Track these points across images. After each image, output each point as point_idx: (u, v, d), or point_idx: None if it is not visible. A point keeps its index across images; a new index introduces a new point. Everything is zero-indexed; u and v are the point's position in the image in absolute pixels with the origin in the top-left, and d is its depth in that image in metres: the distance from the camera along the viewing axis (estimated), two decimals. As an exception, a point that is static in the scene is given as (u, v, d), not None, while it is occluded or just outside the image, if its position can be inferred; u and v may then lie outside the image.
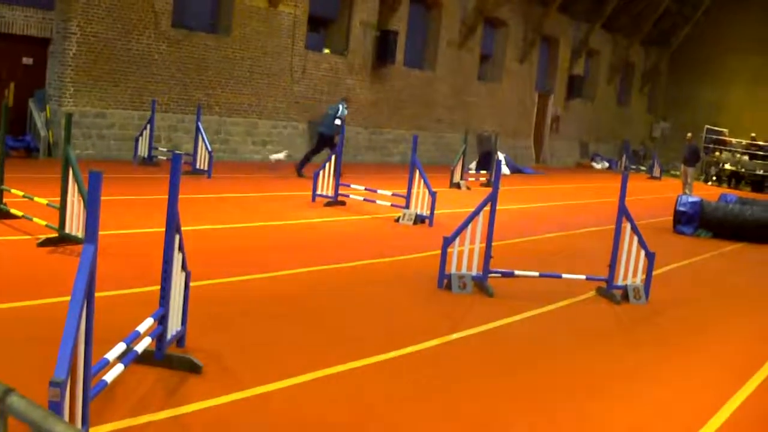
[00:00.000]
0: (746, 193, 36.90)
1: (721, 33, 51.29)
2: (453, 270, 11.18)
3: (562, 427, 6.85)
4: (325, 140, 23.58)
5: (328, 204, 17.90)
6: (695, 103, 52.01)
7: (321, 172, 18.14)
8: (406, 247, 14.14)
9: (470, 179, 26.59)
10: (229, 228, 14.26)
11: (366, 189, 18.55)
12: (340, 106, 23.58)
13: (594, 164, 45.75)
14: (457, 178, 25.32)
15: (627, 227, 11.76)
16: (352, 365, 7.62)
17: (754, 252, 18.94)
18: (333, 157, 17.97)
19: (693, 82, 52.52)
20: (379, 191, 18.30)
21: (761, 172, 44.03)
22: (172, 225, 6.77)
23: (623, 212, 11.67)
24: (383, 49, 30.60)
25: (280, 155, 24.58)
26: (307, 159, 23.94)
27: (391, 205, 17.68)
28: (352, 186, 18.47)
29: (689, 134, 34.21)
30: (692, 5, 50.42)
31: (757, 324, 11.62)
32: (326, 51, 29.47)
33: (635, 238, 11.82)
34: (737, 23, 51.10)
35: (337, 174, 17.95)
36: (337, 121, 23.15)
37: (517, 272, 11.82)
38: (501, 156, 30.85)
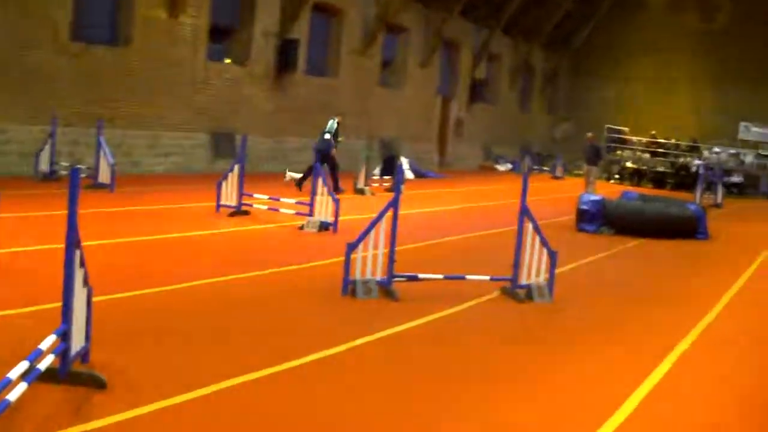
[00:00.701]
0: (648, 190, 37.55)
1: (620, 35, 52.12)
2: (357, 276, 11.26)
3: (466, 429, 6.95)
4: (321, 156, 23.98)
5: (233, 214, 17.83)
6: (596, 103, 52.74)
7: (224, 183, 18.09)
8: (310, 255, 14.17)
9: (374, 185, 26.69)
10: (132, 241, 14.15)
11: (270, 198, 18.56)
12: (331, 121, 24.45)
13: (497, 166, 46.10)
14: (361, 184, 25.41)
15: (529, 227, 11.94)
16: (257, 375, 7.64)
17: (656, 247, 19.31)
18: (236, 167, 17.92)
19: (593, 82, 53.25)
20: (282, 199, 18.32)
21: (662, 169, 44.92)
22: (72, 240, 6.73)
23: (525, 212, 11.86)
24: (285, 57, 30.52)
25: (296, 175, 25.53)
26: (304, 177, 24.30)
27: (296, 213, 17.70)
28: (256, 195, 18.45)
29: (589, 134, 34.71)
30: (591, 7, 51.18)
31: (658, 319, 11.85)
32: (228, 61, 29.37)
33: (537, 238, 12.01)
34: (635, 25, 52.00)
35: (241, 183, 17.91)
36: (327, 136, 24.10)
37: (421, 275, 11.93)
38: (404, 161, 31.00)
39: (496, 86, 48.33)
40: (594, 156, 33.32)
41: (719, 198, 33.91)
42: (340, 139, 24.67)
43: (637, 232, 20.52)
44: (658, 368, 8.89)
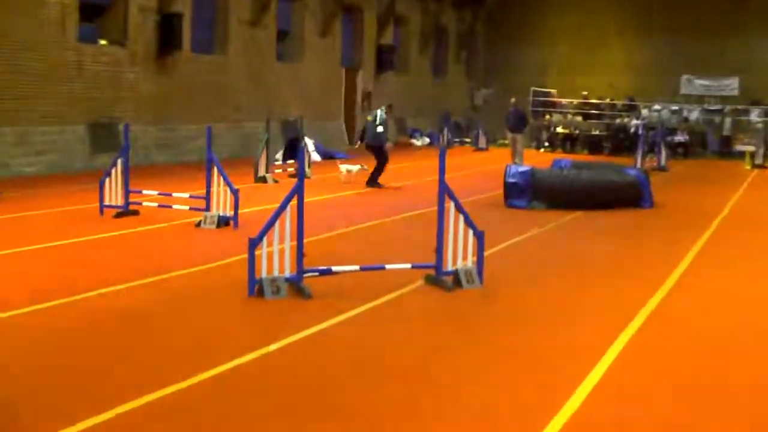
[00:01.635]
0: (583, 157, 37.93)
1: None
2: (264, 274, 11.24)
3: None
4: (374, 151, 25.28)
5: (119, 215, 17.63)
6: (518, 65, 52.78)
7: (107, 180, 17.89)
8: (210, 254, 14.10)
9: (277, 171, 26.60)
10: (6, 254, 13.91)
11: (160, 194, 18.41)
12: (379, 112, 25.64)
13: (414, 141, 46.04)
14: (262, 171, 25.25)
15: (451, 207, 12.01)
16: (160, 394, 7.60)
17: (593, 221, 19.46)
18: (119, 161, 17.75)
19: (513, 43, 53.30)
20: (175, 194, 18.19)
21: (597, 132, 45.24)
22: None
23: (444, 191, 11.93)
24: (167, 34, 30.26)
25: (353, 168, 25.86)
26: (377, 173, 25.29)
27: (190, 209, 17.58)
28: (144, 192, 18.28)
29: (513, 98, 34.93)
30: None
31: (596, 308, 11.95)
32: (103, 42, 29.06)
33: (461, 218, 12.07)
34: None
35: (126, 179, 17.73)
36: (379, 128, 25.20)
37: (335, 268, 11.95)
38: (309, 142, 30.90)
39: (406, 53, 48.45)
40: (519, 122, 33.62)
41: (663, 160, 34.27)
42: (379, 129, 25.47)
43: (573, 204, 20.61)
44: (599, 363, 8.94)
